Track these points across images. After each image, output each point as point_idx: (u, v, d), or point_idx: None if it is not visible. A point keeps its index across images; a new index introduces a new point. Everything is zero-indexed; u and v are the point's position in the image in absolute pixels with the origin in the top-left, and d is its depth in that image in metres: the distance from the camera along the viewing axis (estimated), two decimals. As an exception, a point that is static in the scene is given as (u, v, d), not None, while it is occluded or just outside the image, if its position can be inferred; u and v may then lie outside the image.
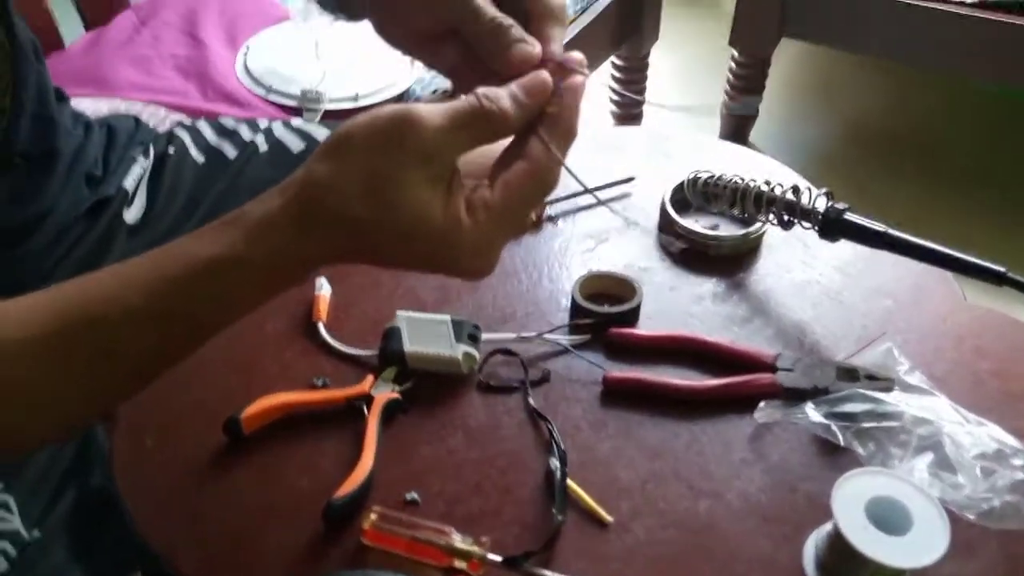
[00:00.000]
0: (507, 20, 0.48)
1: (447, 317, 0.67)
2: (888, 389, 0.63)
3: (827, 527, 0.54)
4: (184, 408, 0.65)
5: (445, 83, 1.25)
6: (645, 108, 1.95)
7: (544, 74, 0.46)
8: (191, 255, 0.43)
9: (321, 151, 0.44)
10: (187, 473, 0.61)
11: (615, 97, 1.90)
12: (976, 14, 1.49)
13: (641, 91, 1.87)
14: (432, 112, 0.42)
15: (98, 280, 0.45)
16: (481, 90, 0.44)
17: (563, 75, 0.47)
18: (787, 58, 2.08)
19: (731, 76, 1.81)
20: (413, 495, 0.59)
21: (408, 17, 0.52)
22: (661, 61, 2.02)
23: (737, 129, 1.89)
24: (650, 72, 1.88)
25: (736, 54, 1.77)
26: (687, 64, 2.30)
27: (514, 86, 0.45)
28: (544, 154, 0.45)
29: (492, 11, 0.48)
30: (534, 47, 0.48)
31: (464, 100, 0.43)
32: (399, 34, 0.54)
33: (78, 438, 0.67)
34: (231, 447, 0.62)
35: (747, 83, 1.79)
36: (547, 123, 0.46)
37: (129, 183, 0.84)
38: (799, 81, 2.23)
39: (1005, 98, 2.14)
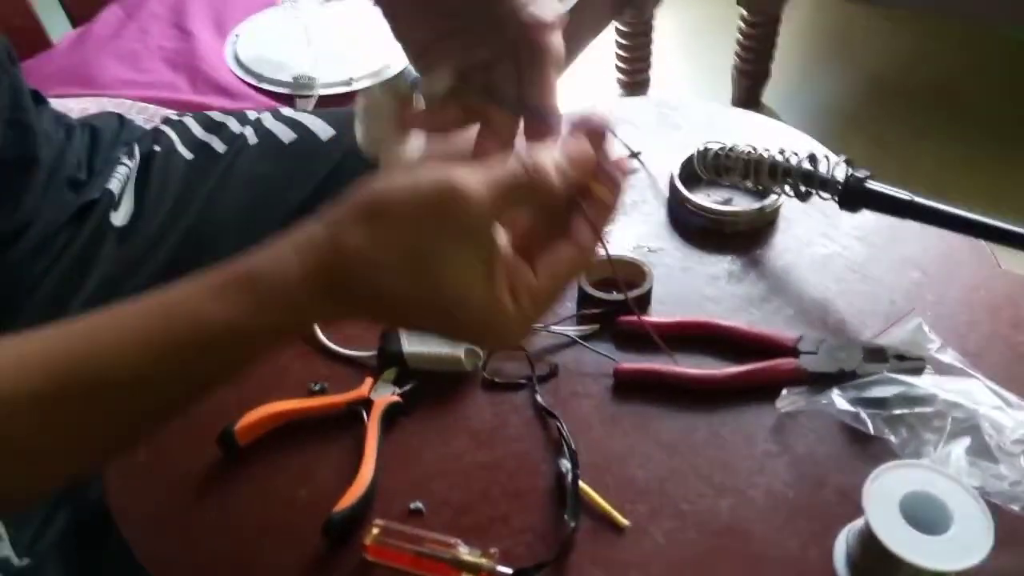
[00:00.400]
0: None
1: (447, 313, 0.64)
2: (919, 370, 0.59)
3: (859, 524, 0.50)
4: (177, 421, 0.62)
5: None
6: (652, 74, 1.89)
7: (586, 146, 0.42)
8: (200, 319, 0.40)
9: (354, 214, 0.40)
10: (181, 489, 0.58)
11: (620, 64, 1.85)
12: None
13: (647, 56, 1.81)
14: (477, 183, 0.39)
15: (98, 334, 0.42)
16: (527, 160, 0.40)
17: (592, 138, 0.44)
18: (798, 14, 2.00)
19: (740, 36, 1.75)
20: (417, 504, 0.56)
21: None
22: (668, 21, 1.95)
23: (749, 91, 1.83)
24: (655, 36, 1.81)
25: (745, 13, 1.70)
26: (694, 26, 2.23)
27: (559, 156, 0.41)
28: (591, 238, 0.43)
29: None
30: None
31: (509, 169, 0.40)
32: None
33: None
34: (226, 460, 0.59)
35: (758, 43, 1.73)
36: (596, 205, 0.43)
37: (115, 185, 0.81)
38: (812, 38, 2.15)
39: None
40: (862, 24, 2.17)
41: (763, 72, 1.80)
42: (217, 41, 1.25)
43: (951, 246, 0.70)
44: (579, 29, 1.58)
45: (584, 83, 1.85)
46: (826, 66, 2.09)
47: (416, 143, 0.52)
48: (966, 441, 0.54)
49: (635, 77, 1.86)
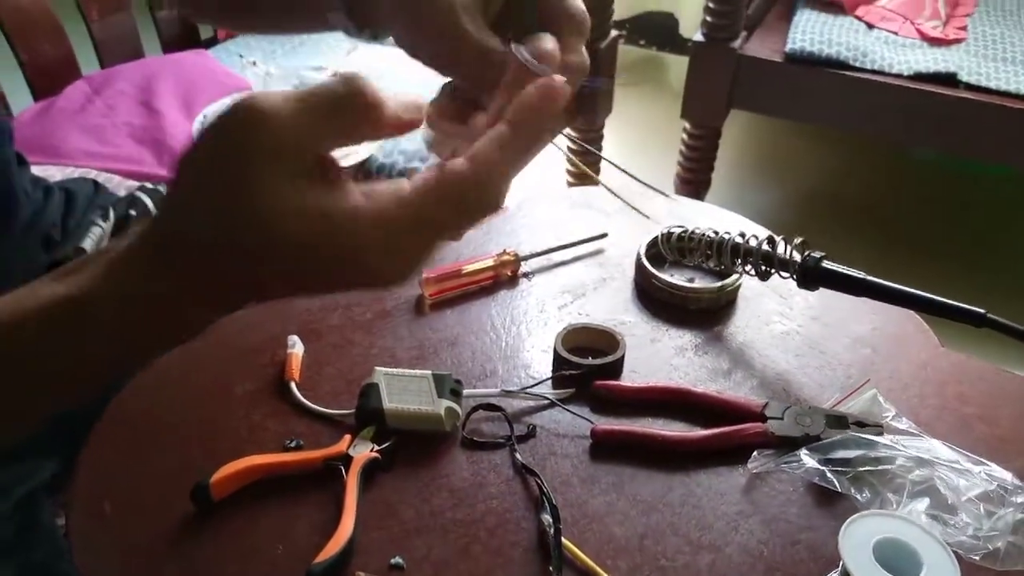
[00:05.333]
0: (495, 47, 0.44)
1: (428, 372, 0.65)
2: (878, 435, 0.62)
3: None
4: (146, 475, 0.60)
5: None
6: (602, 177, 1.98)
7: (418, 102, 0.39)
8: (43, 294, 0.37)
9: (172, 175, 0.38)
10: (152, 546, 0.56)
11: (570, 168, 1.94)
12: (910, 85, 1.57)
13: (597, 161, 1.90)
14: (280, 102, 0.35)
15: None
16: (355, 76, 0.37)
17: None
18: (738, 127, 2.15)
19: (684, 147, 1.86)
20: (398, 560, 0.55)
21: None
22: (615, 134, 2.07)
23: (691, 196, 1.93)
24: (605, 144, 1.91)
25: (688, 126, 1.82)
26: (641, 136, 2.36)
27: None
28: (487, 160, 0.37)
29: (483, 39, 0.46)
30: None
31: (329, 85, 0.36)
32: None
33: None
34: (200, 516, 0.57)
35: (699, 153, 1.84)
36: (502, 126, 0.38)
37: (88, 244, 0.81)
38: (751, 149, 2.31)
39: (944, 167, 2.25)
40: (796, 139, 2.34)
41: (704, 181, 1.91)
42: (185, 120, 1.28)
43: (898, 327, 0.75)
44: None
45: (537, 180, 1.93)
46: (764, 179, 2.24)
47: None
48: (925, 500, 0.57)
49: (584, 181, 1.95)
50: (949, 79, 1.58)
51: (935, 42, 1.69)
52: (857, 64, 1.62)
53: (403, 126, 0.38)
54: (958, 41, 1.70)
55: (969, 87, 1.57)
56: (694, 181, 1.89)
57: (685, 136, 1.85)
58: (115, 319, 0.37)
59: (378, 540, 0.56)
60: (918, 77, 1.59)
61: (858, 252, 1.91)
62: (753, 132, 2.35)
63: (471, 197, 0.37)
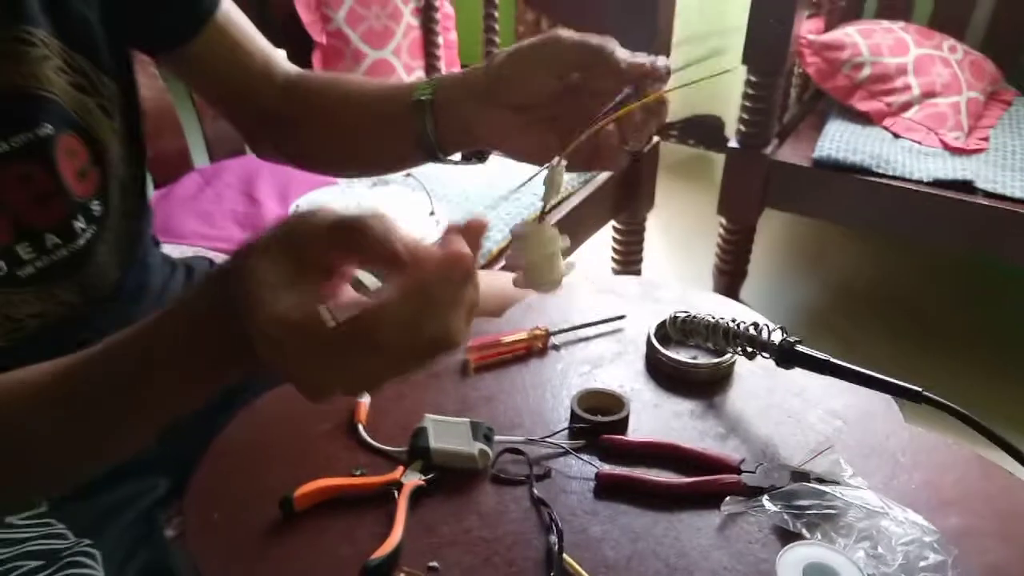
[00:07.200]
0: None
1: (467, 420, 0.81)
2: (833, 490, 0.75)
3: (779, 595, 0.65)
4: (246, 490, 0.78)
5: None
6: (643, 267, 2.15)
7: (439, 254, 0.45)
8: (109, 341, 0.49)
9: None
10: (248, 542, 0.73)
11: (616, 256, 2.11)
12: (929, 191, 1.71)
13: (639, 251, 2.07)
14: (322, 212, 0.45)
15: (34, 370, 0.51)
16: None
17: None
18: (776, 222, 2.30)
19: (721, 240, 2.02)
20: (434, 563, 0.70)
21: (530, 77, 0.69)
22: (657, 225, 2.24)
23: (728, 288, 2.07)
24: (647, 235, 2.09)
25: (724, 221, 1.98)
26: (681, 228, 2.53)
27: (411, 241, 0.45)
28: (392, 310, 0.43)
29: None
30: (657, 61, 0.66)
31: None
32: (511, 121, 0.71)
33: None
34: (285, 522, 0.74)
35: (736, 246, 2.00)
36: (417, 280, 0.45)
37: (203, 310, 1.00)
38: (786, 245, 2.45)
39: (983, 266, 2.34)
40: (831, 239, 2.47)
41: (741, 272, 2.06)
42: (281, 208, 1.50)
43: (868, 403, 0.89)
44: (580, 225, 1.84)
45: (583, 268, 2.11)
46: (798, 272, 2.37)
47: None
48: (866, 543, 0.70)
49: (628, 268, 2.12)
50: (966, 186, 1.71)
51: (956, 151, 1.83)
52: (880, 170, 1.77)
53: (397, 260, 0.45)
54: (979, 151, 1.83)
55: (986, 194, 1.70)
56: (730, 272, 2.04)
57: (722, 231, 2.01)
58: (178, 339, 0.51)
59: (420, 548, 0.72)
60: (937, 183, 1.73)
61: (897, 347, 2.00)
62: (791, 228, 2.49)
63: (386, 333, 0.44)
